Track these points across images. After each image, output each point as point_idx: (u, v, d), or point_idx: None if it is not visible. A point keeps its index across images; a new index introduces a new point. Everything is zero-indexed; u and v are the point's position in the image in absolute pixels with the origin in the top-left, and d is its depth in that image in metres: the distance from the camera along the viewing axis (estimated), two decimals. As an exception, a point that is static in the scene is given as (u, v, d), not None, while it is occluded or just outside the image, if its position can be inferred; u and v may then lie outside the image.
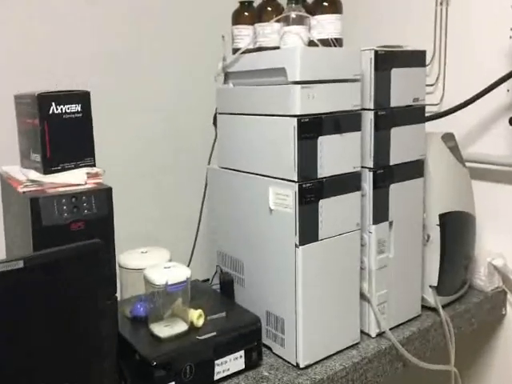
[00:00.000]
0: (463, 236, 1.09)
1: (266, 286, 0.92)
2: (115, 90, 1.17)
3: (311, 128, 0.83)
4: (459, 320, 1.09)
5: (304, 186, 0.83)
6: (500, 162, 1.14)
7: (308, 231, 0.85)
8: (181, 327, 0.83)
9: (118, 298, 0.79)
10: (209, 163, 1.08)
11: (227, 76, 0.97)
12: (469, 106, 1.14)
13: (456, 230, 1.07)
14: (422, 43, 1.26)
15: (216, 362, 0.82)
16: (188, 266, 1.15)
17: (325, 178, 0.86)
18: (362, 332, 0.98)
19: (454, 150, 1.09)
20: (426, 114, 1.18)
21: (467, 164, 1.19)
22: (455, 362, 1.04)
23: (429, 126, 1.21)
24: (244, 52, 0.92)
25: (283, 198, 0.86)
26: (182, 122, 1.28)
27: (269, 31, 0.88)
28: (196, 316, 0.84)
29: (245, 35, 0.92)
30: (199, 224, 1.14)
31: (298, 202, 0.83)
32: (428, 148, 1.05)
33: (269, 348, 0.93)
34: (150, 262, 0.88)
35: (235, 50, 0.95)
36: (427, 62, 1.25)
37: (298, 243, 0.84)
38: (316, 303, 0.87)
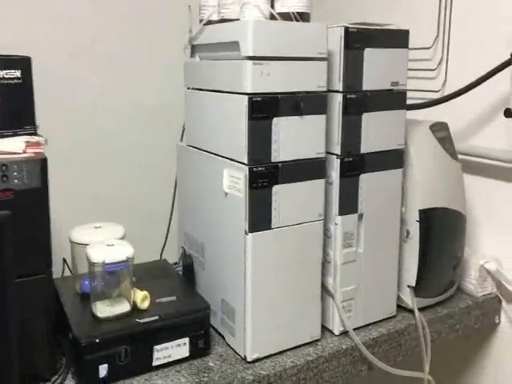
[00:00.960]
0: (449, 235, 1.01)
1: (222, 273, 0.88)
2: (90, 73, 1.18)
3: (265, 108, 0.78)
4: (440, 325, 1.01)
5: (255, 169, 0.78)
6: (497, 157, 1.04)
7: (259, 218, 0.80)
8: (123, 308, 0.80)
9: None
10: (181, 140, 1.04)
11: (194, 49, 0.93)
12: (469, 94, 1.05)
13: (440, 228, 0.99)
14: (424, 23, 1.18)
15: (155, 347, 0.79)
16: (163, 246, 1.13)
17: (280, 162, 0.80)
18: (326, 329, 0.93)
19: (445, 140, 1.01)
20: (422, 101, 1.12)
21: (462, 157, 1.11)
22: (438, 369, 0.96)
23: (424, 114, 1.14)
24: (208, 23, 0.88)
25: (236, 182, 0.81)
26: (157, 97, 1.28)
27: (230, 2, 0.83)
28: (140, 298, 0.81)
29: (210, 6, 0.87)
30: (173, 204, 1.11)
31: (248, 186, 0.78)
32: (413, 137, 0.97)
33: (223, 337, 0.90)
34: (99, 237, 0.86)
35: (201, 22, 0.91)
36: (429, 44, 1.18)
37: (247, 230, 0.79)
38: (268, 295, 0.82)
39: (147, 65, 1.27)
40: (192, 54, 0.94)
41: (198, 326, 0.82)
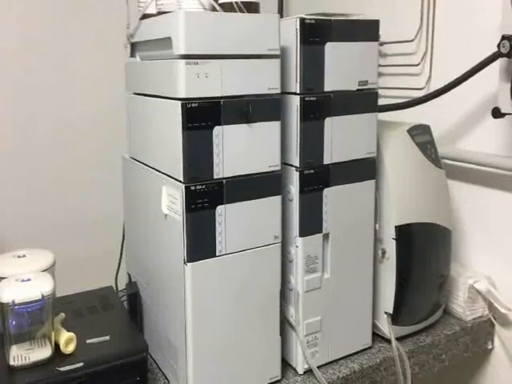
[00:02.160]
0: (431, 252, 0.88)
1: (164, 306, 0.76)
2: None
3: (203, 115, 0.65)
4: (423, 356, 0.89)
5: (193, 188, 0.66)
6: (487, 163, 0.92)
7: (200, 245, 0.68)
8: (43, 353, 0.69)
9: None
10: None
11: (133, 47, 0.81)
12: (455, 92, 0.92)
13: (420, 245, 0.86)
14: (406, 13, 1.05)
15: (80, 399, 0.68)
16: (117, 270, 1.01)
17: (225, 178, 0.68)
18: (290, 366, 0.81)
19: (426, 146, 0.89)
20: (403, 101, 0.99)
21: (450, 163, 0.99)
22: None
23: (405, 115, 1.02)
24: (145, 17, 0.76)
25: (173, 202, 0.69)
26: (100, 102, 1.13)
27: (165, -8, 0.71)
28: (64, 340, 0.70)
29: (148, -2, 0.75)
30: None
31: (185, 207, 0.66)
32: (387, 143, 0.85)
33: (169, 381, 0.78)
34: (20, 269, 0.74)
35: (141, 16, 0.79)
36: (412, 36, 1.05)
37: (185, 259, 0.68)
38: (214, 332, 0.70)
39: (86, 66, 1.11)
40: (132, 53, 0.81)
41: (132, 372, 0.71)
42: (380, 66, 1.12)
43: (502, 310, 0.94)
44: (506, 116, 0.84)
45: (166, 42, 0.66)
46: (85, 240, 1.13)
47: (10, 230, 1.06)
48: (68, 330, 0.72)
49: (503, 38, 0.78)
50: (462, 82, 0.90)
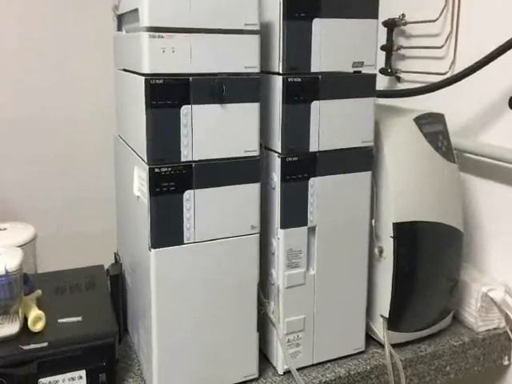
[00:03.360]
0: (437, 255, 0.80)
1: (138, 291, 0.74)
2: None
3: (169, 93, 0.61)
4: (423, 367, 0.81)
5: (157, 170, 0.63)
6: (508, 159, 0.82)
7: (166, 230, 0.64)
8: (12, 329, 0.68)
9: None
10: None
11: (120, 20, 0.78)
12: (476, 78, 0.83)
13: (423, 246, 0.79)
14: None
15: (41, 380, 0.66)
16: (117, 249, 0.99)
17: (194, 162, 0.64)
18: (271, 365, 0.76)
19: (437, 136, 0.80)
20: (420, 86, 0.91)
21: (469, 156, 0.89)
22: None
23: (417, 103, 0.93)
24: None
25: (142, 184, 0.66)
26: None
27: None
28: (31, 319, 0.69)
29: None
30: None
31: (149, 190, 0.63)
32: (390, 132, 0.77)
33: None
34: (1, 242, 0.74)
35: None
36: (436, 16, 0.96)
37: (150, 245, 0.64)
38: (180, 325, 0.67)
39: (86, 66, 1.08)
40: (119, 27, 0.79)
41: (98, 356, 0.68)
42: (403, 47, 1.04)
43: (521, 323, 0.85)
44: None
45: (136, 13, 0.63)
46: (92, 216, 1.13)
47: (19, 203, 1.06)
48: (43, 308, 0.71)
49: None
50: (482, 67, 0.81)
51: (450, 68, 0.95)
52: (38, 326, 0.69)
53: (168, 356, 0.67)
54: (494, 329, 0.87)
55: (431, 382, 0.82)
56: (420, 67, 1.01)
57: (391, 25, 1.02)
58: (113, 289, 0.82)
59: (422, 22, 0.98)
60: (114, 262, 0.87)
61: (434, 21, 0.96)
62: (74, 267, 0.88)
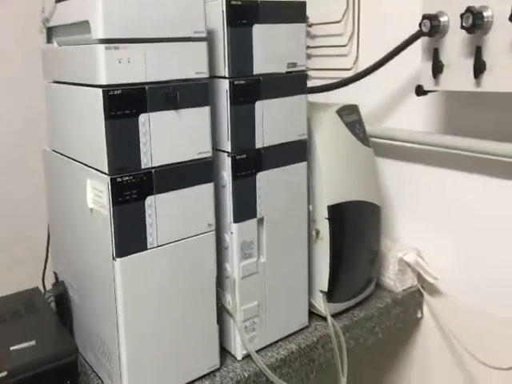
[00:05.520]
0: (362, 229, 0.91)
1: (95, 304, 0.73)
2: None
3: (127, 103, 0.62)
4: (357, 330, 0.92)
5: (119, 180, 0.63)
6: (413, 139, 0.95)
7: (130, 238, 0.65)
8: (-36, 363, 0.64)
9: None
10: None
11: (50, 32, 0.75)
12: (381, 73, 0.93)
13: (352, 223, 0.88)
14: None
15: (9, 407, 0.64)
16: (44, 270, 0.95)
17: (154, 168, 0.65)
18: (229, 354, 0.81)
19: (355, 125, 0.89)
20: (331, 82, 1.00)
21: (379, 141, 1.00)
22: (360, 379, 0.87)
23: (334, 96, 1.02)
24: (60, 0, 0.70)
25: (99, 195, 0.66)
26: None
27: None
28: (-15, 348, 0.65)
29: (61, -22, 0.69)
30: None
31: (111, 200, 0.63)
32: (318, 125, 0.85)
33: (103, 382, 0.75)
34: None
35: (56, -1, 0.73)
36: (339, 17, 1.05)
37: (114, 255, 0.65)
38: (147, 328, 0.68)
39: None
40: (49, 39, 0.75)
41: (62, 375, 0.67)
42: (309, 47, 1.12)
43: (430, 280, 0.98)
44: (429, 93, 0.86)
45: (84, 25, 0.61)
46: (8, 241, 1.06)
47: None
48: (-10, 337, 0.67)
49: (424, 17, 0.79)
50: (387, 62, 0.91)
51: (354, 64, 1.05)
52: (-7, 355, 0.66)
53: (137, 357, 0.68)
54: (409, 288, 1.00)
55: (364, 343, 0.93)
56: (326, 65, 1.09)
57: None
58: (59, 308, 0.80)
59: (326, 23, 1.06)
60: (54, 281, 0.84)
61: (338, 22, 1.05)
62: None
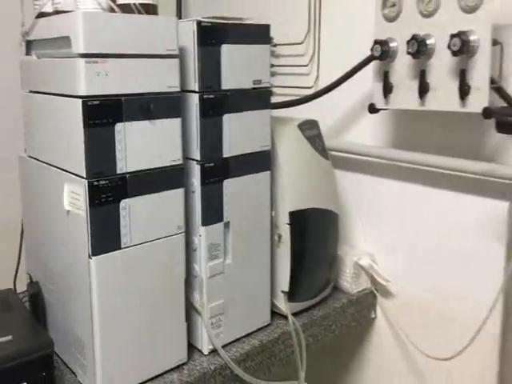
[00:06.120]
0: (321, 234, 0.98)
1: (70, 302, 0.78)
2: None
3: (104, 113, 0.67)
4: (316, 328, 0.98)
5: (96, 183, 0.68)
6: (366, 153, 1.03)
7: (105, 238, 0.70)
8: None
9: None
10: (25, 151, 0.91)
11: (29, 45, 0.80)
12: (340, 91, 1.01)
13: (311, 229, 0.95)
14: (297, 18, 1.13)
15: (-14, 397, 0.68)
16: (16, 272, 0.98)
17: (128, 173, 0.71)
18: (196, 349, 0.86)
19: (315, 139, 0.97)
20: (294, 98, 1.07)
21: (336, 154, 1.09)
22: (319, 374, 0.93)
23: (296, 112, 1.09)
24: (41, 16, 0.76)
25: (76, 198, 0.71)
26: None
27: (61, -9, 0.71)
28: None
29: (43, -5, 0.75)
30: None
31: (88, 202, 0.68)
32: (280, 137, 0.92)
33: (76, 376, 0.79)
34: None
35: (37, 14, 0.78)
36: (301, 39, 1.13)
37: (90, 253, 0.70)
38: (121, 323, 0.73)
39: None
40: (27, 51, 0.80)
41: (38, 367, 0.71)
42: (273, 66, 1.19)
43: (382, 282, 1.07)
44: (381, 111, 0.95)
45: (65, 41, 0.67)
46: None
47: None
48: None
49: (375, 42, 0.88)
50: (344, 81, 0.99)
51: (314, 83, 1.13)
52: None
53: (110, 350, 0.73)
54: (364, 290, 1.08)
55: (322, 340, 1.00)
56: (289, 82, 1.18)
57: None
58: (34, 307, 0.83)
59: (290, 44, 1.14)
60: (29, 281, 0.88)
61: (300, 43, 1.13)
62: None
